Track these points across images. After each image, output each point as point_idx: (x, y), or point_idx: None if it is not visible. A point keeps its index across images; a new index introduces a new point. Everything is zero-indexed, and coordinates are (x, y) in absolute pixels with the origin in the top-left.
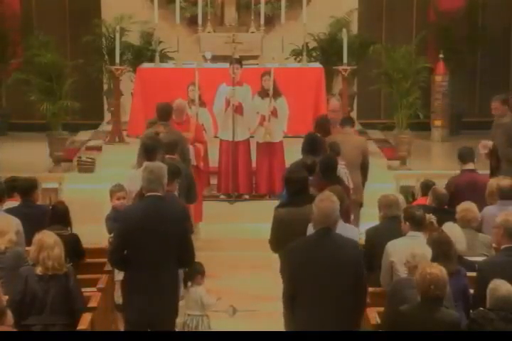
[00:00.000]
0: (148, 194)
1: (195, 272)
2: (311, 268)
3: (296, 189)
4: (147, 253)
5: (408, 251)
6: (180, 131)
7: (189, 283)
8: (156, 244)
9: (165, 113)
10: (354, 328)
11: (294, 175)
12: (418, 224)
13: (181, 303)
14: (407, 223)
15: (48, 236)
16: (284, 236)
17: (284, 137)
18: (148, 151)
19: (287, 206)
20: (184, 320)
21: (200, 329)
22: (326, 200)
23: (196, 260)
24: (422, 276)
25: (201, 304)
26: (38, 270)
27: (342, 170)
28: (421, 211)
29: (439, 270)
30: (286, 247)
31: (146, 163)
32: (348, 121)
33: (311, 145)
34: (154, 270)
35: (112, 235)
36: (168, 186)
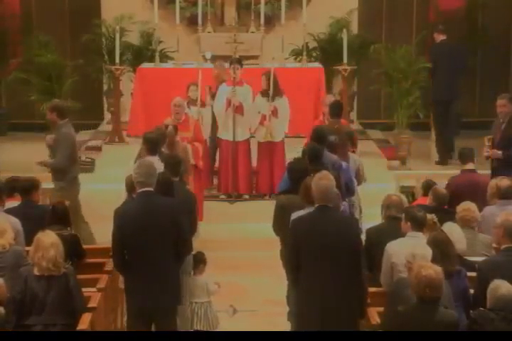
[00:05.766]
0: (143, 189)
1: (197, 261)
2: (312, 240)
3: (298, 177)
4: (145, 249)
5: (409, 252)
6: (180, 130)
7: (192, 272)
8: (152, 239)
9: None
10: (355, 299)
11: (295, 165)
12: (419, 225)
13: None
14: (409, 223)
15: (46, 237)
16: (284, 221)
17: (285, 137)
18: (153, 144)
19: (288, 193)
20: (192, 307)
21: (209, 315)
22: (324, 179)
23: None
24: (417, 279)
25: (207, 290)
26: (35, 270)
27: (360, 163)
28: (422, 212)
29: (433, 271)
30: (292, 221)
31: (142, 160)
32: (335, 110)
33: (314, 135)
34: (154, 265)
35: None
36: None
